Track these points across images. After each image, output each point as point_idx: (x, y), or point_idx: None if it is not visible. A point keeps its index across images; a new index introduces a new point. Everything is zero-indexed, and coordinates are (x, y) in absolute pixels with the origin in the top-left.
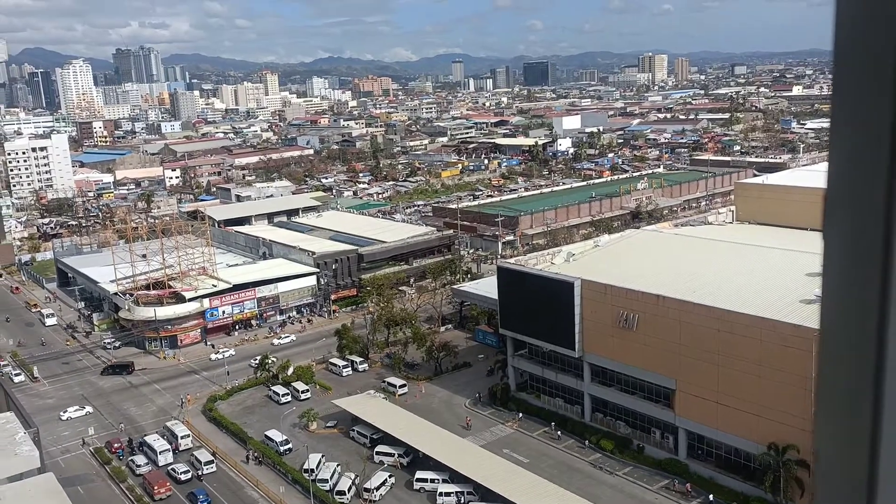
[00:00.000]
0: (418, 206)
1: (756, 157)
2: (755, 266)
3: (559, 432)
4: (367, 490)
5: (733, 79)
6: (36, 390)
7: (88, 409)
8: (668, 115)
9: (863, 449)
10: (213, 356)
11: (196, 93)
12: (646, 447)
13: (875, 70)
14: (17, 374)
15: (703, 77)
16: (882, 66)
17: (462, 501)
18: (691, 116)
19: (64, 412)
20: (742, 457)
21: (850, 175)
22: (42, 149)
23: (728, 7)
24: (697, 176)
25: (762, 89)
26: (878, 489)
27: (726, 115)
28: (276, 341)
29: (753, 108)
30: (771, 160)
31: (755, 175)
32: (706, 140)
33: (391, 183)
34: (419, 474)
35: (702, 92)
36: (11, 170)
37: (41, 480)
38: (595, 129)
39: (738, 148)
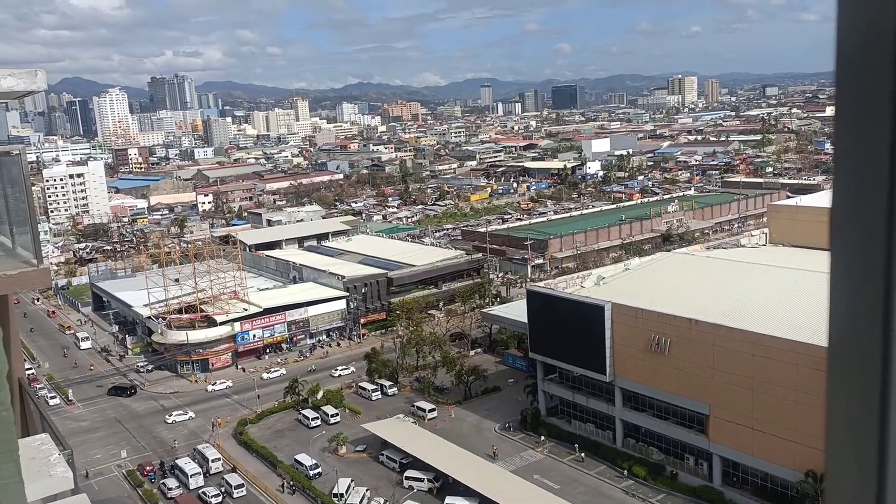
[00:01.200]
0: (447, 229)
1: (789, 178)
2: (790, 289)
3: (583, 454)
4: None
5: (765, 100)
6: (70, 413)
7: (191, 413)
8: (699, 138)
9: (871, 469)
10: (265, 375)
11: (228, 119)
12: (679, 474)
13: (874, 87)
14: (52, 397)
15: (733, 99)
16: (881, 83)
17: None
18: (722, 138)
19: (169, 415)
20: (779, 484)
21: (853, 191)
22: (79, 175)
23: (758, 28)
24: (729, 198)
25: (794, 110)
26: None
27: (758, 137)
28: (264, 375)
29: (786, 130)
30: (804, 182)
31: (788, 197)
32: (738, 162)
33: (420, 207)
34: (449, 500)
35: (732, 113)
36: (49, 196)
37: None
38: (624, 152)
39: (770, 169)
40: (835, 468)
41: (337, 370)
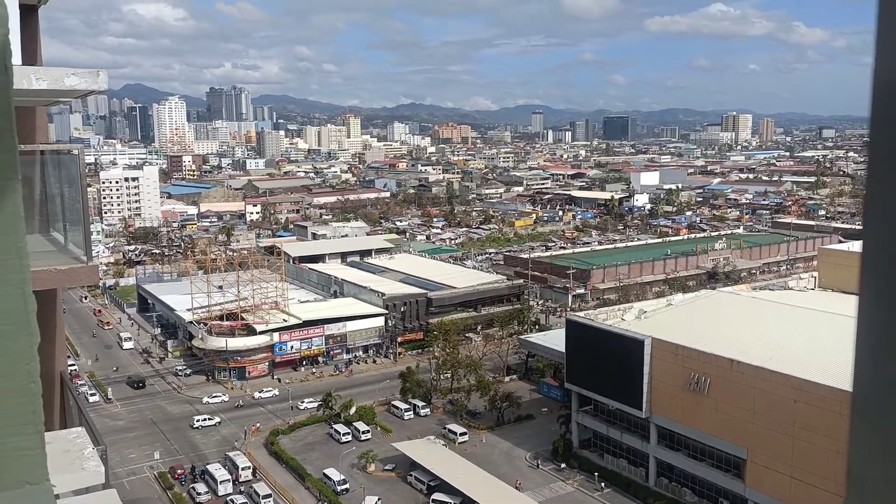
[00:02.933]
0: (490, 253)
1: (842, 222)
2: (837, 335)
3: (603, 484)
4: None
5: (820, 141)
6: (108, 411)
7: (218, 419)
8: (751, 176)
9: None
10: (256, 395)
11: (281, 132)
12: None
13: None
14: (92, 395)
15: (788, 139)
16: None
17: None
18: (775, 178)
19: (197, 421)
20: None
21: (883, 238)
22: (134, 179)
23: (818, 69)
24: (779, 239)
25: (851, 153)
26: None
27: (812, 179)
28: (256, 395)
29: (841, 173)
30: (858, 227)
31: (840, 241)
32: (790, 203)
33: (464, 229)
34: None
35: (787, 154)
36: (104, 197)
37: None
38: (674, 186)
39: (823, 213)
40: None
41: (303, 402)
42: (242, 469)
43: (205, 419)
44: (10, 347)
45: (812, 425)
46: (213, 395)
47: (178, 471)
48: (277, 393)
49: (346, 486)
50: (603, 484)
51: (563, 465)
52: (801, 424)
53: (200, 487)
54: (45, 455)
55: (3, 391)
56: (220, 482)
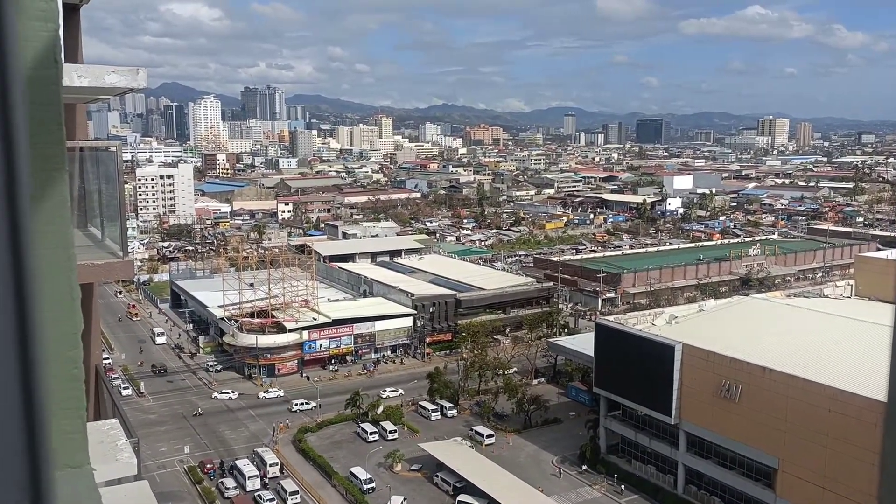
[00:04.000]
0: (520, 255)
1: (880, 230)
2: (873, 345)
3: (623, 486)
4: None
5: (859, 147)
6: (140, 405)
7: (232, 394)
8: (787, 181)
9: None
10: (261, 394)
11: (314, 132)
12: None
13: None
14: (125, 388)
15: (826, 144)
16: None
17: None
18: (811, 184)
19: (294, 404)
20: None
21: None
22: (169, 176)
23: (857, 74)
24: (815, 246)
25: (891, 159)
26: None
27: (850, 185)
28: (261, 394)
29: (881, 179)
30: None
31: (879, 249)
32: (826, 209)
33: (495, 231)
34: None
35: (824, 159)
36: (140, 194)
37: (135, 487)
38: (707, 191)
39: (861, 219)
40: None
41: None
42: (270, 465)
43: (302, 403)
44: (56, 334)
45: (846, 436)
46: (223, 391)
47: (208, 465)
48: (282, 394)
49: (373, 485)
50: (623, 487)
51: (584, 467)
52: (836, 435)
53: (229, 482)
54: (87, 440)
55: (48, 376)
56: (249, 478)
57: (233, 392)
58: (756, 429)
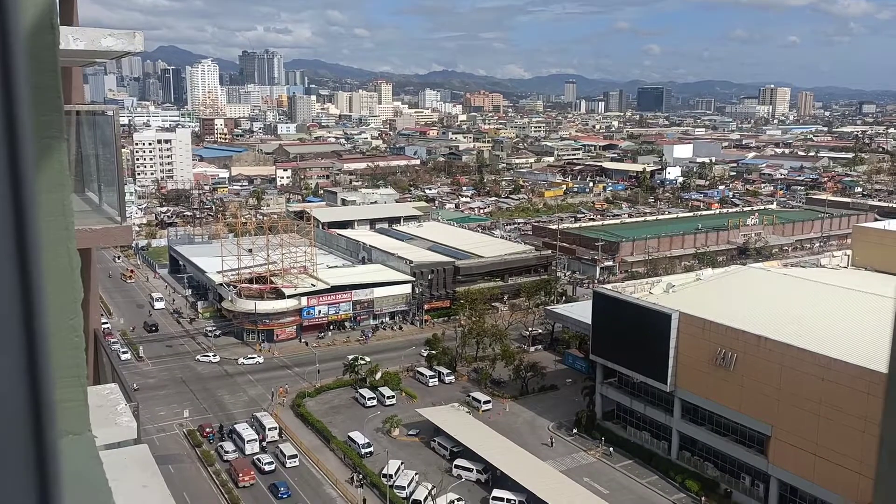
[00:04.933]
0: (518, 223)
1: (879, 200)
2: (868, 315)
3: (611, 448)
4: None
5: (860, 117)
6: (140, 369)
7: (215, 357)
8: (787, 151)
9: None
10: (241, 360)
11: (313, 97)
12: (734, 493)
13: None
14: (124, 352)
15: (827, 113)
16: None
17: None
18: (811, 153)
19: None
20: None
21: None
22: (167, 141)
23: (860, 43)
24: (813, 216)
25: (891, 129)
26: None
27: (850, 155)
28: (241, 360)
29: (880, 150)
30: (895, 205)
31: (876, 220)
32: (826, 179)
33: (494, 198)
34: (496, 492)
35: (825, 129)
36: (138, 159)
37: (135, 451)
38: (707, 160)
39: (859, 190)
40: (883, 499)
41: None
42: (269, 429)
43: (250, 357)
44: (56, 303)
45: (839, 404)
46: (205, 354)
47: (207, 429)
48: (261, 360)
49: (371, 449)
50: (612, 449)
51: (574, 431)
52: (828, 403)
53: (228, 446)
54: (88, 407)
55: (50, 345)
56: (248, 441)
57: (213, 355)
58: (750, 396)
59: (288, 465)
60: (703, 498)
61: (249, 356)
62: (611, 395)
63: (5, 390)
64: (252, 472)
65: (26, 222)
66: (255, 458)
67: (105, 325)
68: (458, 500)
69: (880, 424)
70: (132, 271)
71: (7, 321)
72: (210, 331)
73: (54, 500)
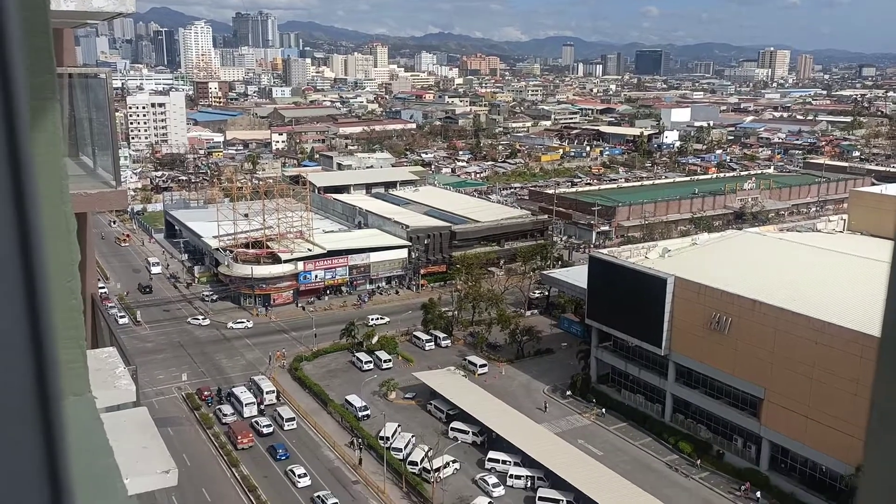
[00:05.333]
0: (515, 188)
1: (876, 164)
2: (862, 279)
3: (603, 410)
4: (426, 471)
5: (860, 80)
6: (137, 333)
7: (205, 321)
8: (785, 115)
9: None
10: (230, 324)
11: (308, 60)
12: (726, 454)
13: None
14: (121, 317)
15: (826, 76)
16: None
17: (532, 486)
18: (810, 117)
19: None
20: (828, 475)
21: None
22: (161, 105)
23: (861, 4)
24: (810, 180)
25: (891, 93)
26: None
27: (848, 119)
28: (230, 324)
29: (879, 113)
30: (892, 169)
31: (874, 184)
32: (823, 143)
33: (490, 163)
34: (491, 454)
35: (824, 92)
36: (131, 123)
37: (135, 413)
38: (705, 124)
39: (857, 154)
40: (870, 469)
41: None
42: (267, 393)
43: (240, 322)
44: (53, 265)
45: (831, 367)
46: (195, 317)
47: (205, 392)
48: (250, 325)
49: (368, 412)
50: (604, 410)
51: (568, 392)
52: (821, 366)
53: (226, 409)
54: (87, 368)
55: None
56: (246, 405)
57: (203, 318)
58: (743, 360)
59: (286, 427)
60: (698, 460)
61: (238, 320)
62: (606, 358)
63: (7, 350)
64: (251, 435)
65: (23, 182)
66: (253, 420)
67: (102, 290)
68: (454, 461)
69: (871, 386)
70: (128, 236)
71: (6, 281)
72: (207, 295)
73: (59, 459)
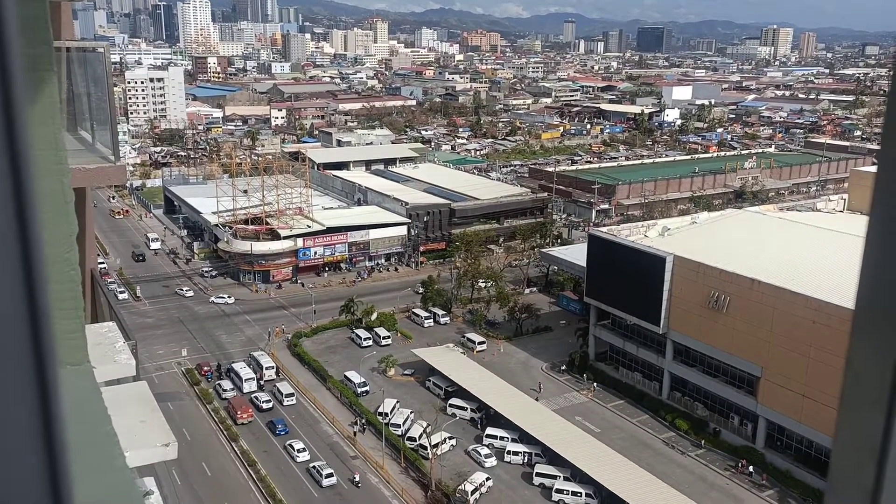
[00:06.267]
0: (515, 165)
1: (877, 144)
2: (859, 259)
3: (595, 384)
4: (423, 447)
5: (863, 59)
6: (137, 309)
7: (229, 299)
8: (787, 93)
9: (874, 450)
10: (213, 299)
11: (307, 36)
12: (722, 431)
13: None
14: (121, 292)
15: (829, 55)
16: None
17: (529, 462)
18: (812, 96)
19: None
20: (823, 453)
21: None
22: (159, 80)
23: None
24: (811, 159)
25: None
26: (883, 497)
27: (850, 98)
28: (213, 299)
29: (881, 92)
30: None
31: (874, 164)
32: (825, 122)
33: (490, 140)
34: (489, 430)
35: (826, 71)
36: (130, 98)
37: (135, 387)
38: (706, 102)
39: (859, 133)
40: (840, 448)
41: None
42: (266, 369)
43: (221, 297)
44: (51, 236)
45: (829, 346)
46: (180, 288)
47: (205, 368)
48: (231, 301)
49: (367, 388)
50: (596, 384)
51: (563, 367)
52: (818, 345)
53: (226, 384)
54: (86, 338)
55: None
56: (245, 380)
57: (188, 290)
58: (741, 339)
59: (285, 403)
60: (702, 440)
61: (219, 296)
62: (604, 336)
63: (3, 318)
64: (250, 410)
65: (19, 153)
66: (252, 396)
67: (101, 265)
68: (451, 438)
69: (847, 350)
70: (127, 211)
71: (3, 250)
72: (206, 271)
73: (55, 424)
